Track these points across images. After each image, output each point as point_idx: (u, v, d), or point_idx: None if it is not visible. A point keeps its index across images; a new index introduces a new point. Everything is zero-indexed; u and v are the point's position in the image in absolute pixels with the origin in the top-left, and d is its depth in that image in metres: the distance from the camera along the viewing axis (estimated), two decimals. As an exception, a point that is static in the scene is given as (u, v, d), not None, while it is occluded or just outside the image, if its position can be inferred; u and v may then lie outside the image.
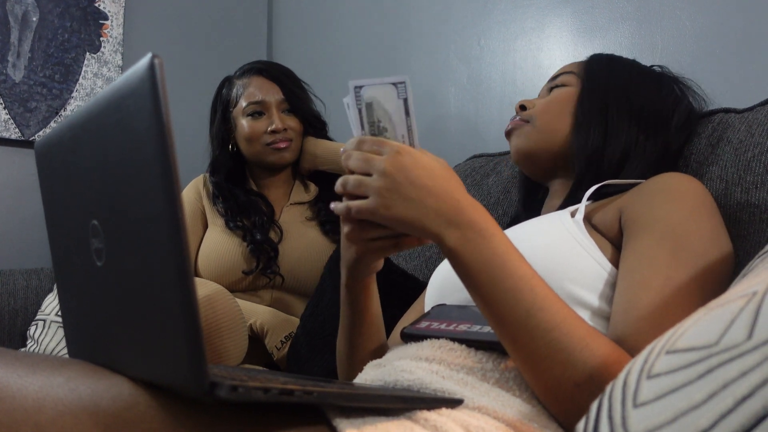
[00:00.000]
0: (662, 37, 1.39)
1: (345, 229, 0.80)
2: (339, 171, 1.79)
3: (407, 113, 0.77)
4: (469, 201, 0.73)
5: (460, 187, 0.74)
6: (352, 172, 0.75)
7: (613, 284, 0.80)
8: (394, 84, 0.76)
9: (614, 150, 0.99)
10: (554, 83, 1.09)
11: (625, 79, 1.04)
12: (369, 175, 0.73)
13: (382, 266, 0.87)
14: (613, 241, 0.85)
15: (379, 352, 0.95)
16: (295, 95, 1.75)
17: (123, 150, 0.53)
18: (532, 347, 0.68)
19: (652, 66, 1.11)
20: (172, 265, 0.49)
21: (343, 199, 0.77)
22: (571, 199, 1.00)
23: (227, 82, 1.79)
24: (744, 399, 0.37)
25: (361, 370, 0.93)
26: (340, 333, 0.97)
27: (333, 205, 0.78)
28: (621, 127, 1.00)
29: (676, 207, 0.81)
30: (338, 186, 0.76)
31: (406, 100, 0.77)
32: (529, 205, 1.18)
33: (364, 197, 0.73)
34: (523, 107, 1.09)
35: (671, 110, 1.03)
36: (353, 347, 0.95)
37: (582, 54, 1.50)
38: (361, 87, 0.77)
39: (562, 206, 1.00)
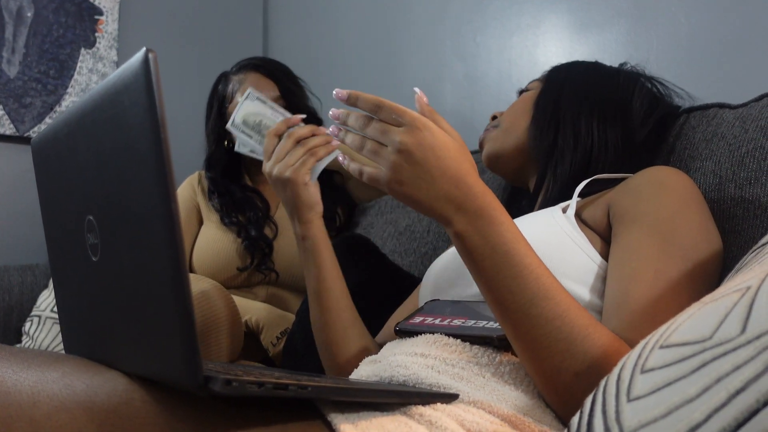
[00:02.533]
0: (657, 33, 1.39)
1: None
2: (334, 168, 1.78)
3: (262, 100, 0.96)
4: (480, 187, 0.72)
5: (473, 170, 0.73)
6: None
7: (604, 278, 0.80)
8: (247, 98, 0.99)
9: (566, 139, 1.02)
10: (522, 89, 1.17)
11: (580, 75, 1.09)
12: (384, 144, 0.73)
13: (321, 207, 1.04)
14: (603, 235, 0.85)
15: (349, 313, 1.02)
16: (291, 92, 1.74)
17: (118, 145, 0.53)
18: (534, 335, 0.68)
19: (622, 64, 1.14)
20: (166, 260, 0.49)
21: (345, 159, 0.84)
22: (538, 190, 1.05)
23: (223, 78, 1.79)
24: (737, 393, 0.37)
25: (334, 335, 1.01)
26: (309, 301, 1.04)
27: (345, 161, 0.83)
28: (571, 117, 1.03)
29: (663, 200, 0.81)
30: (356, 143, 0.77)
31: (258, 98, 0.98)
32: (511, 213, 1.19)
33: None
34: (494, 117, 1.17)
35: (629, 97, 1.05)
36: (323, 309, 1.02)
37: (578, 51, 1.50)
38: (231, 126, 1.04)
39: (543, 201, 1.03)
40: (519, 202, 1.22)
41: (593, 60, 1.16)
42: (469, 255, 0.72)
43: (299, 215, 1.03)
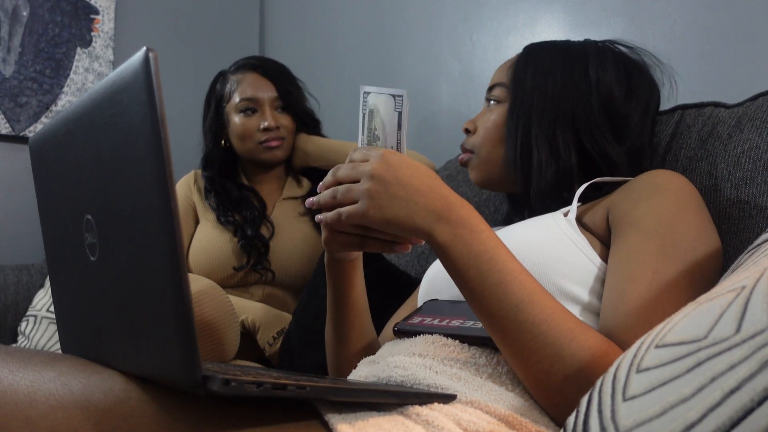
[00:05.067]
0: (653, 33, 1.39)
1: (324, 233, 0.85)
2: (331, 167, 1.78)
3: (399, 127, 0.80)
4: (457, 198, 0.74)
5: (445, 184, 0.75)
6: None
7: (603, 280, 0.80)
8: (393, 96, 0.80)
9: (541, 157, 0.97)
10: (489, 97, 1.07)
11: (550, 81, 1.00)
12: (357, 181, 0.75)
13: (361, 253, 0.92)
14: (603, 239, 0.86)
15: (364, 341, 0.96)
16: (289, 93, 1.74)
17: (117, 144, 0.53)
18: (522, 341, 0.68)
19: (586, 40, 1.06)
20: (165, 258, 0.49)
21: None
22: (529, 210, 1.00)
23: (221, 77, 1.78)
24: (732, 392, 0.38)
25: (348, 361, 0.95)
26: (327, 321, 0.98)
27: (319, 217, 0.82)
28: (544, 136, 0.97)
29: (662, 203, 0.82)
30: (327, 198, 0.78)
31: (400, 114, 0.80)
32: (520, 212, 1.18)
33: (353, 203, 0.75)
34: (467, 130, 1.09)
35: (605, 94, 0.98)
36: (338, 333, 0.96)
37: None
38: (368, 93, 0.81)
39: (535, 210, 1.00)
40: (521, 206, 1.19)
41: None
42: (453, 265, 0.73)
43: (339, 261, 0.92)
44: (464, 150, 1.09)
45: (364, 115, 0.81)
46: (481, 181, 1.08)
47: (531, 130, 0.98)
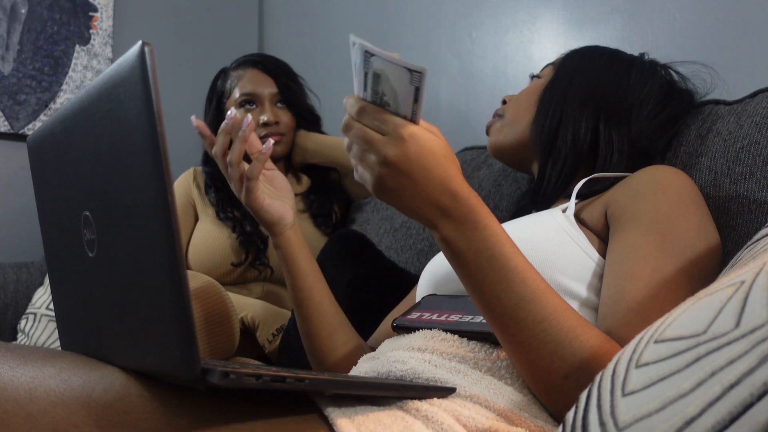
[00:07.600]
0: (653, 29, 1.39)
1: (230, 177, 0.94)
2: (329, 164, 1.78)
3: (416, 100, 0.73)
4: (465, 192, 0.71)
5: (457, 173, 0.72)
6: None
7: (601, 275, 0.80)
8: (410, 70, 0.73)
9: (564, 140, 1.00)
10: (535, 75, 1.13)
11: (592, 67, 1.05)
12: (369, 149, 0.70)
13: (289, 218, 1.00)
14: (601, 235, 0.85)
15: (334, 319, 1.00)
16: (289, 89, 1.74)
17: (114, 139, 0.53)
18: (522, 338, 0.68)
19: (642, 54, 1.10)
20: (163, 253, 0.49)
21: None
22: (538, 190, 1.02)
23: (223, 74, 1.79)
24: (731, 387, 0.37)
25: (319, 343, 0.99)
26: (294, 310, 1.02)
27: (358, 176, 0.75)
28: (573, 117, 1.00)
29: (662, 199, 0.81)
30: (353, 137, 0.72)
31: (418, 89, 0.73)
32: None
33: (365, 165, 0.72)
34: (504, 102, 1.13)
35: (638, 97, 1.01)
36: (304, 318, 1.00)
37: (573, 47, 1.50)
38: (371, 55, 0.73)
39: (533, 197, 1.03)
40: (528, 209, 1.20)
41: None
42: (455, 259, 0.72)
43: (266, 229, 1.01)
44: (493, 118, 1.13)
45: (366, 73, 0.73)
46: (495, 143, 1.10)
47: (564, 107, 1.02)
